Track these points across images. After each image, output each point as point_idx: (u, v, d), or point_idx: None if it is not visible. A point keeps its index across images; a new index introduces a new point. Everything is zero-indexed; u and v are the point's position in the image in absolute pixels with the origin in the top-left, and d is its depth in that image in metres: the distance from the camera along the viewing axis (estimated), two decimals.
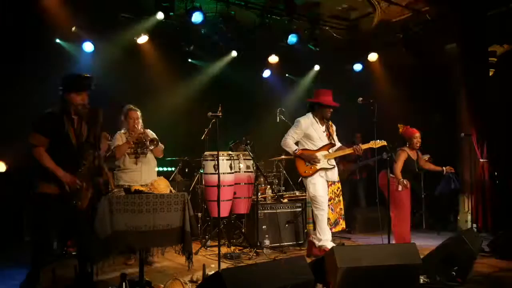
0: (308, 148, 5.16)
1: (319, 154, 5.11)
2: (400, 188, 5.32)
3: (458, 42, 6.73)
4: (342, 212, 5.32)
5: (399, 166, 5.37)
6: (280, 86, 8.73)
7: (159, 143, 4.75)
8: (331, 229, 5.13)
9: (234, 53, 7.82)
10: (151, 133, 4.84)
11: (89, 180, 3.53)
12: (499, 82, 6.75)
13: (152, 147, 4.70)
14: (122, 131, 4.80)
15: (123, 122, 4.83)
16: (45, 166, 3.46)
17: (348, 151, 5.16)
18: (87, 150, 3.57)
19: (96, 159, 3.44)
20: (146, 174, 4.74)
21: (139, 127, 4.73)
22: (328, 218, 5.10)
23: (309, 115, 5.21)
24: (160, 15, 6.24)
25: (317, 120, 5.19)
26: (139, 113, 4.80)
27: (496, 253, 4.92)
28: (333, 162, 5.22)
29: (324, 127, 5.23)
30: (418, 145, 5.49)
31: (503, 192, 6.43)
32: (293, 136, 5.14)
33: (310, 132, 5.13)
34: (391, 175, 5.26)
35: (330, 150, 5.17)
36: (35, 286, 3.49)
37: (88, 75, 3.64)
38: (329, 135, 5.24)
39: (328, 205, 5.12)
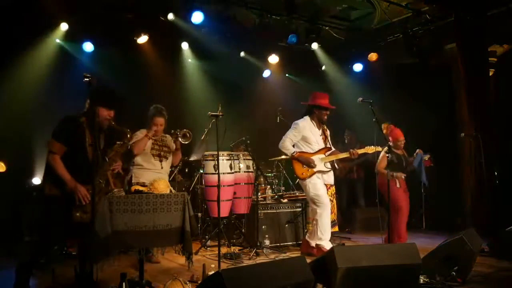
0: (305, 151, 5.22)
1: (316, 157, 5.18)
2: (398, 185, 5.37)
3: (458, 42, 6.72)
4: (335, 213, 5.39)
5: (382, 167, 5.43)
6: (280, 86, 8.72)
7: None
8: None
9: (234, 53, 7.81)
10: (169, 139, 4.90)
11: (100, 196, 3.49)
12: (499, 82, 6.74)
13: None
14: (145, 130, 4.75)
15: (147, 123, 4.77)
16: (58, 174, 3.44)
17: (343, 155, 5.23)
18: (101, 165, 3.56)
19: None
20: (167, 176, 4.91)
21: (160, 134, 4.78)
22: None
23: (307, 118, 5.28)
24: (159, 15, 6.24)
25: (315, 123, 5.26)
26: (164, 120, 4.75)
27: (496, 253, 4.92)
28: (329, 165, 5.29)
29: (320, 130, 5.31)
30: (402, 147, 5.60)
31: (503, 192, 6.43)
32: (291, 139, 5.20)
33: (308, 135, 5.19)
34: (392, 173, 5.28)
35: (326, 154, 5.24)
36: (28, 280, 3.51)
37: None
38: (325, 139, 5.32)
39: None
